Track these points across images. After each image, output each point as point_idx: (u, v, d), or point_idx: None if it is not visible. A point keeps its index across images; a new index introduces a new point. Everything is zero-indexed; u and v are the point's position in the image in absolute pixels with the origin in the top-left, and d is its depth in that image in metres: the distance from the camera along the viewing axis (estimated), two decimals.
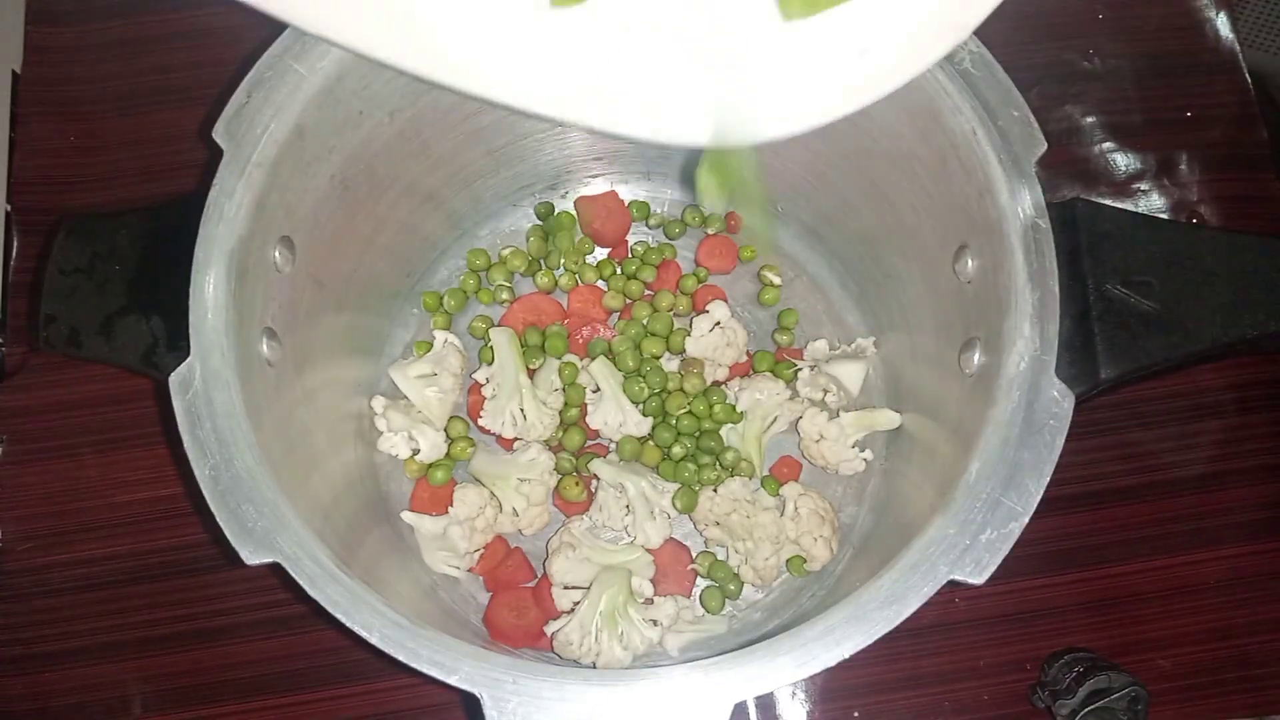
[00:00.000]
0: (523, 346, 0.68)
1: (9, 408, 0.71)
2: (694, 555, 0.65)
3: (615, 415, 0.65)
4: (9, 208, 0.76)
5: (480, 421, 0.66)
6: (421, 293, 0.70)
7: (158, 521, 0.69)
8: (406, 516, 0.65)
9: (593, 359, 0.67)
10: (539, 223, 0.72)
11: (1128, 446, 0.71)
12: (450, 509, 0.64)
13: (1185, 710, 0.66)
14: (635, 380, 0.66)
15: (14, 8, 0.80)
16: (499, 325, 0.69)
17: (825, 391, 0.67)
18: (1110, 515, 0.69)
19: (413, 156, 0.61)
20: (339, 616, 0.45)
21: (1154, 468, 0.70)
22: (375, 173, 0.59)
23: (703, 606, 0.64)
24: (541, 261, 0.72)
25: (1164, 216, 0.75)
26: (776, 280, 0.71)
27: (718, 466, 0.66)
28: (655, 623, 0.60)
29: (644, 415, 0.66)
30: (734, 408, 0.66)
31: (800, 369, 0.67)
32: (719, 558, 0.65)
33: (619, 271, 0.71)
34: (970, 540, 0.44)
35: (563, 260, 0.71)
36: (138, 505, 0.70)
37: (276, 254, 0.52)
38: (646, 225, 0.73)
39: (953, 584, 0.44)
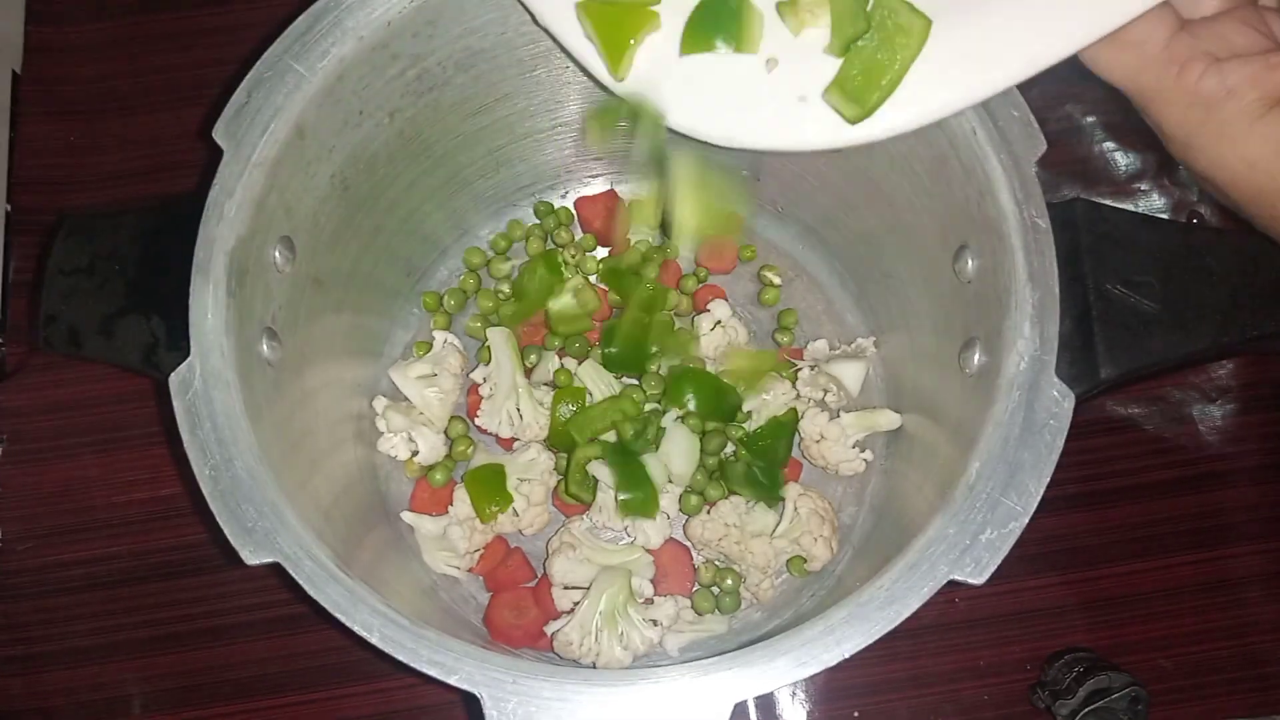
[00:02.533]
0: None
1: (9, 408, 0.71)
2: (696, 566, 0.65)
3: None
4: (9, 208, 0.76)
5: (478, 421, 0.66)
6: (421, 293, 0.70)
7: (158, 521, 0.69)
8: (406, 516, 0.65)
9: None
10: (538, 222, 0.72)
11: (1128, 446, 0.71)
12: (450, 509, 0.64)
13: (1185, 710, 0.66)
14: None
15: (14, 8, 0.80)
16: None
17: (825, 391, 0.67)
18: (1110, 515, 0.69)
19: (413, 156, 0.61)
20: (339, 616, 0.45)
21: (1154, 467, 0.70)
22: (375, 173, 0.59)
23: (693, 608, 0.64)
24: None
25: (1164, 216, 0.75)
26: (776, 280, 0.71)
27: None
28: (655, 623, 0.60)
29: None
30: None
31: (800, 369, 0.67)
32: (720, 566, 0.65)
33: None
34: (970, 540, 0.44)
35: (563, 258, 0.71)
36: (138, 505, 0.70)
37: (276, 254, 0.52)
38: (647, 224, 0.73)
39: (953, 584, 0.44)
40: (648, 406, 0.65)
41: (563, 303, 0.67)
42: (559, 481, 0.65)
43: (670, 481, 0.64)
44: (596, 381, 0.65)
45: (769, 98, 0.47)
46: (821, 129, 0.47)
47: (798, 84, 0.47)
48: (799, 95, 0.47)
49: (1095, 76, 0.45)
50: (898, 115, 0.46)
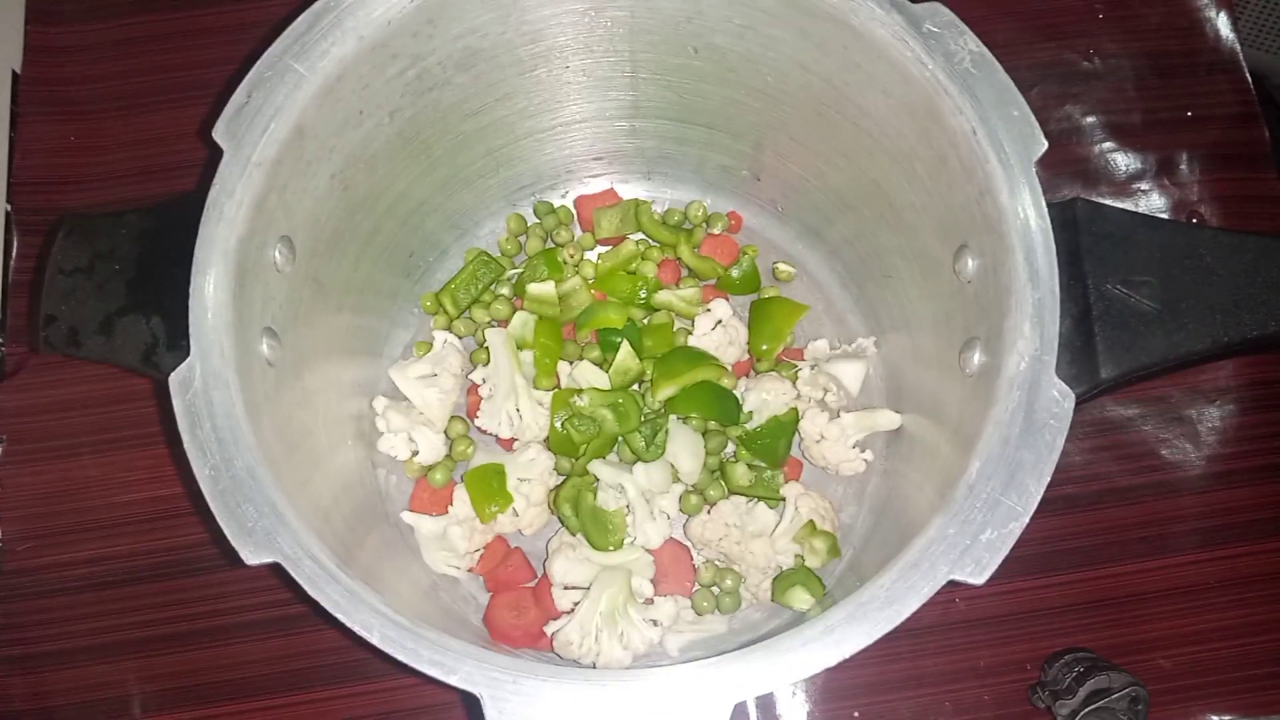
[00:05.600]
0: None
1: (9, 408, 0.71)
2: (696, 566, 0.65)
3: None
4: (9, 208, 0.76)
5: (478, 421, 0.66)
6: (421, 294, 0.70)
7: (158, 521, 0.69)
8: (406, 517, 0.65)
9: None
10: (537, 221, 0.72)
11: (1128, 446, 0.71)
12: (450, 509, 0.64)
13: (1185, 710, 0.66)
14: None
15: (14, 8, 0.80)
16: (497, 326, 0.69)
17: (825, 391, 0.67)
18: (1110, 515, 0.69)
19: (412, 156, 0.61)
20: (339, 616, 0.45)
21: (1154, 468, 0.70)
22: (375, 173, 0.59)
23: (693, 609, 0.64)
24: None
25: (1164, 216, 0.75)
26: (790, 270, 0.71)
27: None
28: (655, 623, 0.60)
29: None
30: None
31: (800, 369, 0.67)
32: (720, 566, 0.65)
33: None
34: (970, 540, 0.44)
35: (562, 257, 0.71)
36: (137, 505, 0.70)
37: (276, 254, 0.52)
38: None
39: (953, 584, 0.44)
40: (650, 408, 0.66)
41: (543, 288, 0.68)
42: (559, 482, 0.65)
43: (679, 480, 0.64)
44: (592, 382, 0.65)
45: None
46: None
47: None
48: None
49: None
50: None
